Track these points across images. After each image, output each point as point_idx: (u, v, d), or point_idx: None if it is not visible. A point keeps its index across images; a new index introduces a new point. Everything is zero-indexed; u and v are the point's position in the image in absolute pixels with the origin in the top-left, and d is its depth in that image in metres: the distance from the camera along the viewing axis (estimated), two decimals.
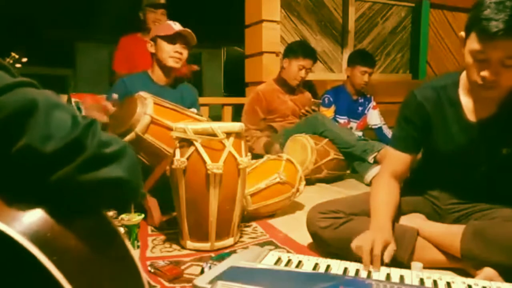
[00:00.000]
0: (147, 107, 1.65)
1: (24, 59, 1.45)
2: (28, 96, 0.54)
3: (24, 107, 0.53)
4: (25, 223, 0.53)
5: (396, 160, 1.33)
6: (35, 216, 0.55)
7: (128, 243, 0.65)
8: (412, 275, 0.99)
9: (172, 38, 2.03)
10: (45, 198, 0.56)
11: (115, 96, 1.87)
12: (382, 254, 1.07)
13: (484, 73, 1.06)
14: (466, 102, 1.23)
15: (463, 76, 1.23)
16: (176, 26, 2.05)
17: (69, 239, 0.56)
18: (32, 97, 0.54)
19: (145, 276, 0.65)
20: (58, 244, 0.54)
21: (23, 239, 0.51)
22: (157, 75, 2.11)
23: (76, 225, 0.59)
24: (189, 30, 2.05)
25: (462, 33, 1.13)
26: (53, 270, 0.50)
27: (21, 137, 0.52)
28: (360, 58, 3.05)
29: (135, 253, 0.65)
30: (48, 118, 0.54)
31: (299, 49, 2.83)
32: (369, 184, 2.41)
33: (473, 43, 1.06)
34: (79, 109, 1.65)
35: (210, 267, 1.11)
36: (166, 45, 2.03)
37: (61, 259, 0.52)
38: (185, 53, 2.08)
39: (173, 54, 2.03)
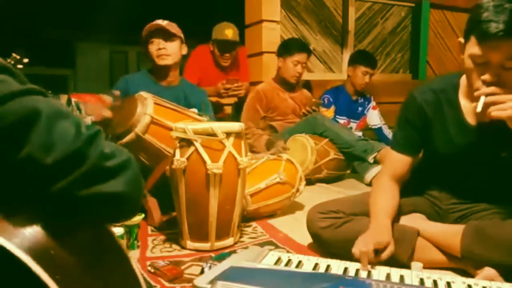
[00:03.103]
0: (147, 107, 1.65)
1: (26, 60, 1.45)
2: (31, 105, 0.53)
3: (26, 116, 0.52)
4: (25, 238, 0.52)
5: (396, 162, 1.33)
6: (35, 231, 0.53)
7: (125, 249, 0.64)
8: (412, 275, 0.99)
9: (149, 38, 2.03)
10: (44, 211, 0.55)
11: (117, 92, 1.86)
12: (377, 252, 1.07)
13: (485, 77, 1.05)
14: (465, 104, 1.23)
15: (463, 79, 1.22)
16: (153, 24, 2.03)
17: (70, 255, 0.55)
18: (35, 106, 0.53)
19: (143, 282, 0.64)
20: (59, 261, 0.53)
21: (25, 255, 0.49)
22: (157, 75, 2.14)
23: (76, 239, 0.58)
24: (160, 23, 2.01)
25: (461, 39, 1.11)
26: None
27: (23, 147, 0.51)
28: (363, 58, 3.05)
29: (134, 255, 0.65)
30: (50, 128, 0.53)
31: (290, 45, 2.82)
32: (369, 184, 2.41)
33: (472, 47, 1.05)
34: (79, 109, 1.65)
35: (210, 267, 1.11)
36: (150, 46, 2.05)
37: (63, 278, 0.51)
38: (171, 46, 2.05)
39: (157, 53, 2.04)
